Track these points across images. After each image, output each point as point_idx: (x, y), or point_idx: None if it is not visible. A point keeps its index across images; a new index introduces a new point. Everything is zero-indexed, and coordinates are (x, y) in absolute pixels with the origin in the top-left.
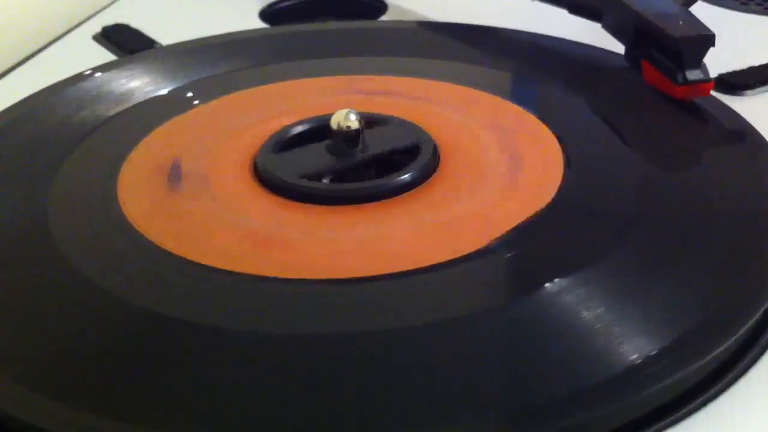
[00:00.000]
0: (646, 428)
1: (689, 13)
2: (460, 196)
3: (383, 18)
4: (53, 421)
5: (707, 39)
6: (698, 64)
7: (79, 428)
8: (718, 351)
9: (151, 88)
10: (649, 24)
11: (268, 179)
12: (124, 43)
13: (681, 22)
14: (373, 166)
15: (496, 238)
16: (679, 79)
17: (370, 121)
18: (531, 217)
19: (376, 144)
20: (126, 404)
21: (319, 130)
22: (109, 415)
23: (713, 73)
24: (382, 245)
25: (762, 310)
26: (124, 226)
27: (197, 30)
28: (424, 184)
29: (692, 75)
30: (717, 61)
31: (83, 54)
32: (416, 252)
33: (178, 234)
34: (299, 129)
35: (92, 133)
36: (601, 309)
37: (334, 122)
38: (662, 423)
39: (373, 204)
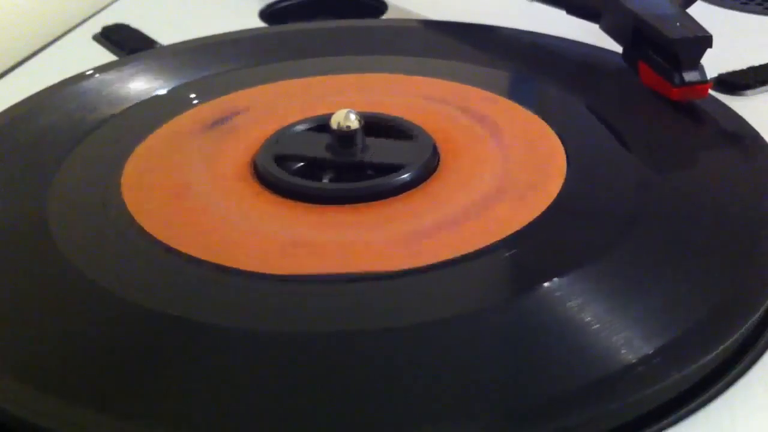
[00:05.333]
0: (646, 428)
1: (686, 14)
2: (460, 195)
3: (383, 17)
4: (55, 420)
5: (704, 40)
6: (695, 65)
7: (81, 426)
8: (717, 351)
9: (152, 87)
10: (647, 25)
11: (268, 178)
12: (124, 43)
13: (678, 24)
14: (372, 166)
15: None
16: (676, 80)
17: (370, 120)
18: (535, 218)
19: (376, 144)
20: (126, 402)
21: (319, 130)
22: (110, 412)
23: (713, 73)
24: (381, 245)
25: (762, 310)
26: (124, 225)
27: (197, 30)
28: (423, 184)
29: (689, 76)
30: (717, 61)
31: (83, 54)
32: (415, 251)
33: (178, 233)
34: (299, 128)
35: (93, 132)
36: (600, 309)
37: (334, 122)
38: (662, 423)
39: (373, 204)
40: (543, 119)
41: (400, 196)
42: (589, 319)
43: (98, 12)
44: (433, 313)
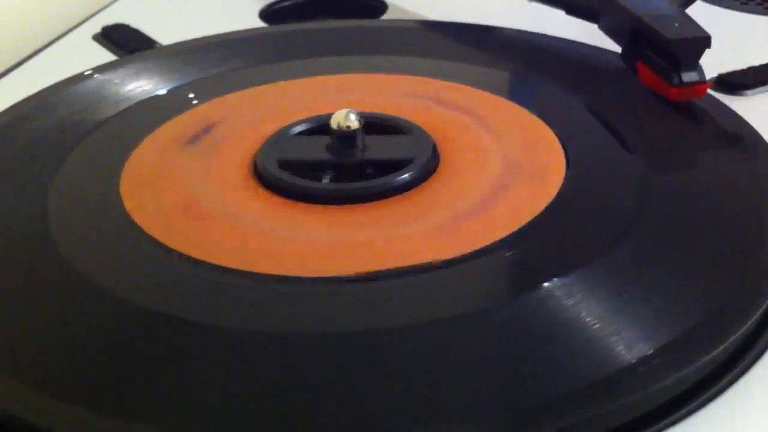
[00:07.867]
0: (646, 428)
1: (685, 14)
2: (459, 196)
3: (383, 17)
4: (54, 420)
5: (703, 41)
6: (694, 65)
7: (80, 426)
8: (717, 351)
9: (151, 87)
10: (645, 26)
11: (268, 179)
12: (124, 43)
13: (677, 24)
14: (372, 165)
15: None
16: (675, 80)
17: (369, 120)
18: (532, 218)
19: (376, 144)
20: (125, 402)
21: (319, 130)
22: (109, 412)
23: (713, 73)
24: (381, 245)
25: (761, 310)
26: (124, 226)
27: (197, 30)
28: (423, 184)
29: (688, 77)
30: (716, 61)
31: (83, 54)
32: (415, 252)
33: (179, 233)
34: (299, 129)
35: (92, 132)
36: (600, 309)
37: (334, 122)
38: (662, 423)
39: (373, 204)
40: (542, 119)
41: (400, 196)
42: (588, 319)
43: (98, 12)
44: (433, 313)
